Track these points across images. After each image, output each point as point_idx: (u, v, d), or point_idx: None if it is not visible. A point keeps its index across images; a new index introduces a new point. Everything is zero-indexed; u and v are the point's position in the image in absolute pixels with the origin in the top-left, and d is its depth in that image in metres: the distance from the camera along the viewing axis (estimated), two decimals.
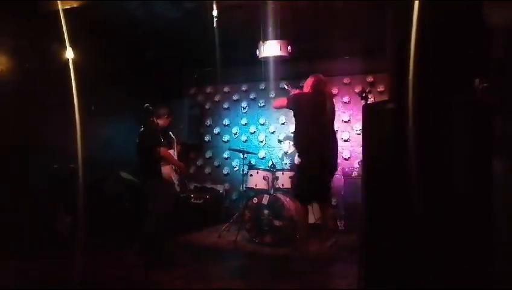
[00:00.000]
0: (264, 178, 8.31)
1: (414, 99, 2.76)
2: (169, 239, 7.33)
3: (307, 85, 6.75)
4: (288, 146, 9.52)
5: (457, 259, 2.90)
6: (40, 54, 7.08)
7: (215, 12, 6.97)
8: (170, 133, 7.19)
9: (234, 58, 9.82)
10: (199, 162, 11.73)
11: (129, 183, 8.35)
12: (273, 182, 8.33)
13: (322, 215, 7.34)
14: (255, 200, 7.99)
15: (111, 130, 8.66)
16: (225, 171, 11.36)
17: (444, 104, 3.02)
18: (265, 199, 7.87)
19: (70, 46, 3.60)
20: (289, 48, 7.72)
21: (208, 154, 11.63)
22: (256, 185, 8.37)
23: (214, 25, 7.12)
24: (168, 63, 10.51)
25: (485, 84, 3.00)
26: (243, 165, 9.08)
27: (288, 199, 8.03)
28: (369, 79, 10.00)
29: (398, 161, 3.04)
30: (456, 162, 3.01)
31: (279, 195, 7.99)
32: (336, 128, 7.24)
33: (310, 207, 7.72)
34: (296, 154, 9.13)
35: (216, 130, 11.57)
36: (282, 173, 8.35)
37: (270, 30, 7.68)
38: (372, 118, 3.48)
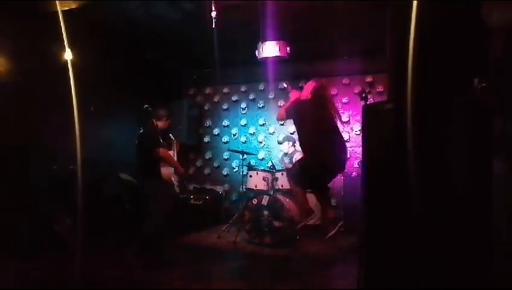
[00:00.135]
0: (263, 179, 8.31)
1: (413, 99, 2.76)
2: (169, 240, 7.34)
3: (307, 89, 6.66)
4: (288, 147, 9.50)
5: (457, 259, 2.91)
6: (39, 54, 7.07)
7: (214, 13, 6.96)
8: (170, 135, 7.18)
9: (233, 59, 9.83)
10: (198, 163, 11.74)
11: (128, 184, 8.35)
12: (272, 182, 8.32)
13: (322, 208, 7.16)
14: (255, 201, 7.99)
15: (110, 130, 8.66)
16: (225, 172, 11.38)
17: (443, 104, 3.02)
18: (265, 200, 7.87)
19: (69, 46, 3.59)
20: (288, 48, 7.72)
21: (208, 155, 11.63)
22: (255, 186, 8.37)
23: (213, 26, 7.11)
24: (168, 63, 10.52)
25: (484, 84, 3.01)
26: (243, 166, 9.08)
27: (288, 200, 8.03)
28: (369, 79, 10.01)
29: (397, 161, 3.04)
30: (456, 162, 3.02)
31: (279, 196, 7.98)
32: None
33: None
34: (296, 154, 9.18)
35: (215, 131, 11.59)
36: (282, 174, 8.33)
37: (269, 31, 7.68)
38: (371, 119, 3.48)
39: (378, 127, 3.40)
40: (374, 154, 3.43)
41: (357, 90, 9.74)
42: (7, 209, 6.39)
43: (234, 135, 11.31)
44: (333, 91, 10.31)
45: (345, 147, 6.62)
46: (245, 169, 8.98)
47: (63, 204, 7.09)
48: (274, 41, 7.69)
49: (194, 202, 9.76)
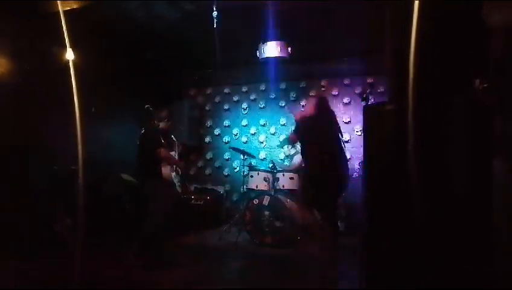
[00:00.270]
0: (264, 179, 8.31)
1: (414, 99, 2.76)
2: (169, 240, 7.33)
3: (311, 106, 6.60)
4: (288, 149, 9.51)
5: (457, 259, 2.90)
6: (39, 54, 7.08)
7: (215, 14, 6.97)
8: (172, 136, 7.18)
9: (234, 59, 9.84)
10: (200, 164, 11.75)
11: (129, 184, 8.35)
12: (273, 183, 8.32)
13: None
14: (256, 201, 7.99)
15: (111, 130, 8.65)
16: (226, 173, 11.38)
17: (444, 105, 3.02)
18: (266, 200, 7.87)
19: (70, 46, 3.58)
20: (289, 49, 7.73)
21: (209, 155, 11.64)
22: (256, 186, 8.37)
23: (214, 26, 7.12)
24: (168, 63, 10.52)
25: (485, 85, 3.01)
26: (244, 166, 9.08)
27: (289, 200, 8.03)
28: (370, 80, 10.02)
29: (398, 162, 3.03)
30: (456, 162, 3.02)
31: (280, 196, 7.98)
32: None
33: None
34: (296, 155, 9.18)
35: (216, 131, 11.59)
36: (283, 174, 8.34)
37: (270, 31, 7.68)
38: (372, 119, 3.48)
39: (379, 128, 3.41)
40: (375, 154, 3.43)
41: (358, 90, 9.76)
42: (7, 209, 6.39)
43: (235, 135, 11.31)
44: (334, 92, 10.33)
45: (347, 166, 6.57)
46: (246, 169, 8.97)
47: (63, 204, 7.09)
48: (275, 42, 7.70)
49: (195, 202, 9.76)
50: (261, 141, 11.03)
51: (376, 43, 5.20)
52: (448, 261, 2.90)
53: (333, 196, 6.41)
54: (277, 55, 7.79)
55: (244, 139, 11.19)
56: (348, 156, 9.35)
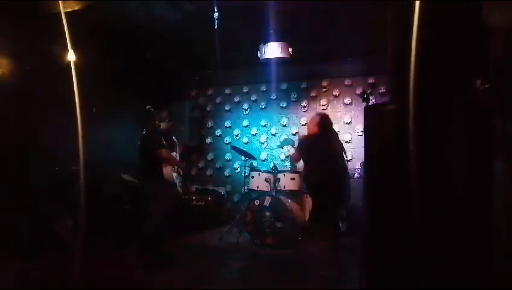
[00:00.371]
0: (265, 180, 8.32)
1: (415, 100, 2.76)
2: (169, 240, 7.33)
3: (313, 124, 6.57)
4: (288, 150, 9.50)
5: (457, 259, 2.90)
6: (39, 54, 7.08)
7: (216, 14, 6.97)
8: (173, 137, 7.18)
9: (235, 60, 9.85)
10: (201, 164, 11.75)
11: (129, 184, 8.35)
12: (274, 183, 8.32)
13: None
14: (257, 202, 7.99)
15: (111, 131, 8.66)
16: (227, 173, 11.38)
17: (444, 105, 3.02)
18: (267, 201, 7.87)
19: (70, 47, 3.59)
20: (290, 49, 7.73)
21: (210, 156, 11.64)
22: (258, 187, 8.38)
23: (215, 27, 7.12)
24: (169, 64, 10.53)
25: (486, 86, 3.00)
26: (245, 167, 9.08)
27: (290, 201, 8.03)
28: (370, 80, 10.02)
29: (399, 162, 3.03)
30: (457, 162, 3.01)
31: (281, 197, 7.98)
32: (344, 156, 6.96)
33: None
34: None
35: (217, 132, 11.59)
36: (284, 175, 8.33)
37: (271, 32, 7.69)
38: (373, 119, 3.48)
39: (380, 128, 3.40)
40: (376, 154, 3.43)
41: (359, 91, 9.77)
42: (7, 209, 6.39)
43: (236, 136, 11.31)
44: (335, 92, 10.33)
45: (348, 182, 6.58)
46: (247, 170, 8.97)
47: (63, 204, 7.09)
48: (276, 43, 7.70)
49: (196, 203, 9.77)
50: (262, 141, 11.02)
51: (377, 43, 5.21)
52: (448, 261, 2.89)
53: (334, 213, 6.48)
54: (278, 56, 7.79)
55: (245, 139, 11.19)
56: (349, 157, 9.40)
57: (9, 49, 6.91)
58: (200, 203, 9.79)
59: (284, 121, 10.82)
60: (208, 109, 11.84)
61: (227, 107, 11.60)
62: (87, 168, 3.60)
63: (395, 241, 3.15)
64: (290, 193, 8.42)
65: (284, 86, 10.93)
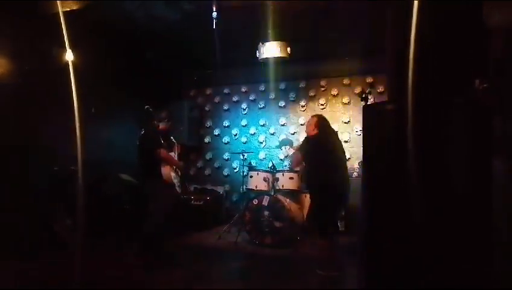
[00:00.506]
0: (264, 179, 8.32)
1: (414, 99, 2.76)
2: (169, 240, 7.33)
3: (312, 126, 6.55)
4: (286, 150, 9.50)
5: (457, 259, 2.90)
6: (39, 54, 7.08)
7: (214, 14, 6.96)
8: (171, 137, 7.18)
9: (234, 59, 9.85)
10: (199, 164, 11.76)
11: (128, 184, 8.35)
12: (273, 183, 8.32)
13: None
14: (255, 201, 7.99)
15: (110, 131, 8.66)
16: (225, 173, 11.39)
17: (443, 104, 3.02)
18: (266, 200, 7.86)
19: (69, 47, 3.58)
20: (288, 49, 7.73)
21: (208, 155, 11.65)
22: (256, 187, 8.37)
23: (214, 27, 7.11)
24: (168, 64, 10.52)
25: (485, 85, 3.01)
26: (243, 166, 9.09)
27: (288, 200, 8.03)
28: (369, 80, 10.04)
29: (398, 162, 3.03)
30: (456, 162, 3.01)
31: (280, 196, 7.98)
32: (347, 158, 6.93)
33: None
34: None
35: (216, 132, 11.60)
36: (283, 174, 8.34)
37: (270, 31, 7.69)
38: (372, 119, 3.48)
39: (378, 128, 3.40)
40: (374, 154, 3.43)
41: (357, 90, 9.77)
42: (7, 209, 6.39)
43: (235, 136, 11.32)
44: (334, 92, 10.34)
45: (348, 183, 6.55)
46: (245, 169, 8.98)
47: (63, 204, 7.09)
48: (274, 42, 7.70)
49: (195, 203, 9.76)
50: (260, 141, 11.04)
51: (376, 42, 5.22)
52: (448, 261, 2.90)
53: (333, 213, 6.48)
54: (276, 55, 7.79)
55: (243, 139, 11.20)
56: (348, 156, 9.40)
57: (9, 49, 6.91)
58: (198, 202, 9.78)
59: (283, 120, 10.83)
60: (207, 108, 11.85)
61: (225, 107, 11.62)
62: (87, 168, 3.60)
63: (394, 241, 3.15)
64: (289, 193, 8.42)
65: (282, 86, 10.94)
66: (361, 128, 9.06)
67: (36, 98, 6.96)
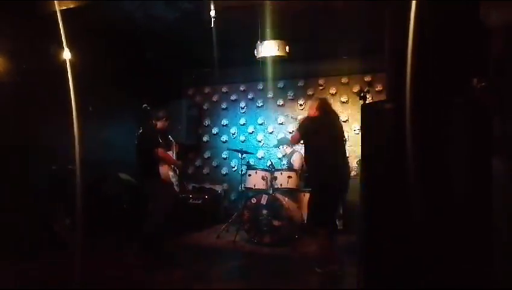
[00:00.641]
0: (262, 178, 8.31)
1: (413, 99, 2.77)
2: (169, 240, 7.34)
3: (312, 108, 6.53)
4: (283, 150, 9.51)
5: (457, 259, 2.91)
6: (39, 54, 7.07)
7: (213, 13, 6.96)
8: (169, 136, 7.18)
9: (232, 58, 9.85)
10: (198, 163, 11.75)
11: (128, 184, 8.35)
12: (271, 182, 8.32)
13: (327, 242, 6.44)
14: (254, 200, 7.99)
15: (110, 130, 8.65)
16: (224, 172, 11.39)
17: (443, 104, 3.03)
18: (264, 199, 7.87)
19: (69, 46, 3.59)
20: (287, 48, 7.72)
21: (207, 154, 11.64)
22: (254, 185, 8.36)
23: (212, 26, 7.11)
24: (167, 63, 10.52)
25: (483, 84, 3.01)
26: (242, 165, 9.09)
27: (287, 199, 8.04)
28: (367, 78, 10.03)
29: (397, 161, 3.04)
30: (456, 162, 3.02)
31: (278, 195, 7.98)
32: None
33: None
34: (294, 154, 9.19)
35: (214, 130, 11.60)
36: (281, 173, 8.34)
37: (268, 30, 7.68)
38: (370, 118, 3.48)
39: (377, 126, 3.41)
40: (373, 153, 3.43)
41: (355, 89, 9.78)
42: (7, 209, 6.39)
43: (233, 134, 11.32)
44: (332, 90, 10.34)
45: (348, 167, 6.50)
46: (244, 168, 8.98)
47: (63, 204, 7.09)
48: (273, 41, 7.69)
49: (193, 202, 9.77)
50: (259, 139, 11.03)
51: (374, 41, 5.22)
52: (448, 261, 2.91)
53: (333, 200, 6.43)
54: (275, 54, 7.78)
55: (242, 138, 11.20)
56: (346, 155, 9.39)
57: (8, 49, 6.90)
58: (197, 201, 9.79)
59: (281, 119, 10.83)
60: (205, 107, 11.83)
61: (224, 106, 11.60)
62: (87, 167, 3.61)
63: (394, 241, 3.16)
64: (287, 191, 8.42)
65: (280, 84, 10.94)
66: (359, 127, 9.07)
67: (36, 98, 6.96)
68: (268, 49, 7.73)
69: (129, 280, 5.84)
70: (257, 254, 7.42)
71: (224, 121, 11.49)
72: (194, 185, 11.10)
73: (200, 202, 9.78)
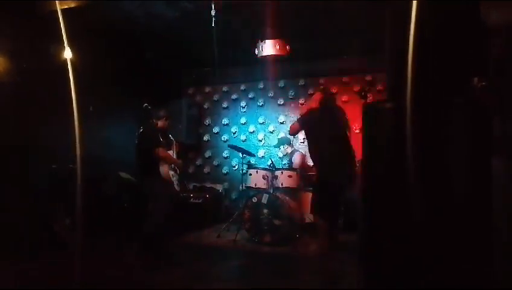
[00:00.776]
0: (263, 177, 8.32)
1: (413, 98, 2.76)
2: (169, 239, 7.33)
3: (315, 100, 6.50)
4: (284, 149, 9.51)
5: (457, 259, 2.90)
6: (39, 54, 7.06)
7: (213, 12, 6.96)
8: (170, 135, 7.18)
9: (233, 57, 9.84)
10: (198, 162, 11.76)
11: (128, 183, 8.35)
12: (272, 181, 8.33)
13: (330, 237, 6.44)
14: (255, 199, 7.99)
15: (110, 130, 8.64)
16: (224, 171, 11.40)
17: (443, 104, 3.02)
18: (265, 198, 7.87)
19: (69, 46, 3.59)
20: (288, 47, 7.73)
21: (207, 153, 11.65)
22: (255, 185, 8.38)
23: (213, 25, 7.11)
24: (167, 63, 10.52)
25: (483, 83, 3.01)
26: (242, 164, 9.09)
27: (287, 198, 8.04)
28: (368, 78, 10.02)
29: (397, 161, 3.03)
30: (456, 162, 3.01)
31: (279, 194, 7.99)
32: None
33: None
34: (295, 153, 9.18)
35: (215, 130, 11.61)
36: (282, 172, 8.34)
37: (269, 29, 7.68)
38: (371, 117, 3.47)
39: (377, 126, 3.40)
40: (373, 153, 3.42)
41: (356, 88, 9.77)
42: (7, 209, 6.39)
43: (234, 134, 11.33)
44: (333, 90, 10.32)
45: (353, 159, 6.42)
46: (245, 167, 8.99)
47: (63, 204, 7.09)
48: (274, 40, 7.69)
49: (194, 201, 9.78)
50: (259, 139, 11.03)
51: (375, 41, 5.21)
52: (448, 261, 2.90)
53: (336, 193, 6.36)
54: (275, 53, 7.78)
55: (243, 137, 11.22)
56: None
57: (8, 49, 6.90)
58: (197, 200, 9.80)
59: (282, 118, 10.83)
60: (206, 106, 11.84)
61: (224, 105, 11.61)
62: (87, 167, 3.60)
63: (394, 241, 3.15)
64: (288, 191, 8.42)
65: (281, 84, 10.95)
66: (360, 127, 9.06)
67: (36, 98, 6.95)
68: (269, 48, 7.74)
69: (129, 280, 5.84)
70: (258, 253, 7.43)
71: (225, 120, 11.50)
72: (194, 184, 11.12)
73: (200, 201, 9.79)
